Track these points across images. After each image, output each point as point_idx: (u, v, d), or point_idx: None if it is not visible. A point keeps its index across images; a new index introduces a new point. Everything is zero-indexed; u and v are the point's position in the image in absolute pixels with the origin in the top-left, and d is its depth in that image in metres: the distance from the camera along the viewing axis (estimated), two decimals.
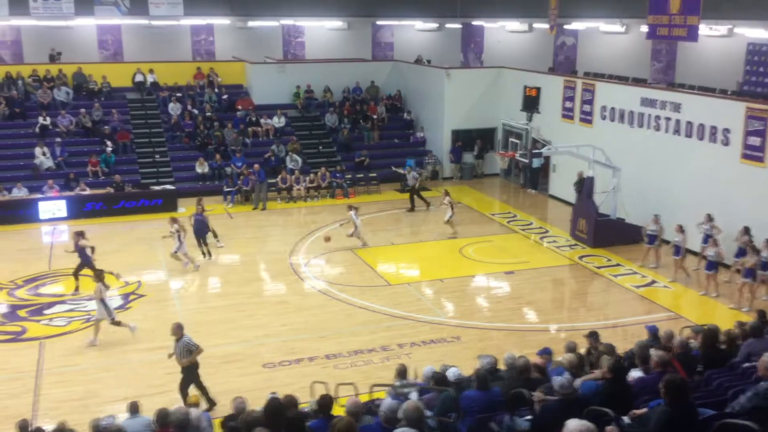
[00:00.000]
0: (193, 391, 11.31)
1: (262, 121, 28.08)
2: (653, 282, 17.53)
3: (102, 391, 12.42)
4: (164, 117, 27.90)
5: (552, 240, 20.94)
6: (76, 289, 16.66)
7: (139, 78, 29.00)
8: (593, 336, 11.25)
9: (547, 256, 19.60)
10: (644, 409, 6.72)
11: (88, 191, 23.28)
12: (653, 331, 10.77)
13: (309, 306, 16.27)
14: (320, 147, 28.23)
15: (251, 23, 31.52)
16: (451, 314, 15.87)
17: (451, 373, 8.48)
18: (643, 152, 20.62)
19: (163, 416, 8.16)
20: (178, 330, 11.49)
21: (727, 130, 18.02)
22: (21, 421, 9.20)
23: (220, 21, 31.07)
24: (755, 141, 17.23)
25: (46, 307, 16.07)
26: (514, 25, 31.30)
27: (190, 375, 11.48)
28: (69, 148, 25.45)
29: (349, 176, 26.12)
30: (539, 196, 25.99)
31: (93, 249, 17.02)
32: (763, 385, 6.73)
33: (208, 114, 27.87)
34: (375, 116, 29.52)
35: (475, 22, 33.44)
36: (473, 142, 28.18)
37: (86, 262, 16.73)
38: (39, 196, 22.60)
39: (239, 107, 28.50)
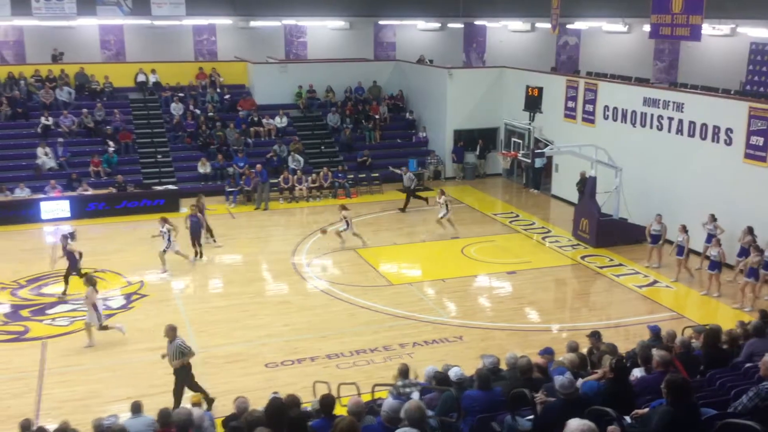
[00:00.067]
0: (188, 393, 11.28)
1: (264, 121, 28.10)
2: (655, 282, 17.52)
3: (104, 390, 12.44)
4: (166, 117, 27.93)
5: (554, 240, 20.93)
6: (64, 293, 16.51)
7: (141, 78, 29.02)
8: (595, 336, 11.25)
9: (549, 256, 19.59)
10: (646, 409, 6.71)
11: (90, 191, 23.31)
12: (655, 331, 10.76)
13: (311, 306, 16.28)
14: (322, 147, 28.23)
15: (253, 23, 31.52)
16: (453, 314, 15.87)
17: (453, 373, 8.47)
18: (646, 152, 20.60)
19: (165, 416, 8.17)
20: (170, 332, 11.45)
21: (729, 130, 17.99)
22: (23, 420, 9.22)
23: (223, 21, 31.09)
24: (758, 141, 17.20)
25: (48, 307, 16.09)
26: (516, 24, 31.28)
27: (183, 378, 11.40)
28: (71, 149, 25.47)
29: (351, 176, 26.12)
30: (541, 196, 25.97)
31: (81, 254, 16.88)
32: (765, 385, 6.72)
33: (211, 114, 27.89)
34: (377, 116, 29.52)
35: (478, 22, 33.43)
36: (475, 142, 28.16)
37: (72, 265, 16.65)
38: (41, 196, 22.63)
39: (240, 107, 28.50)
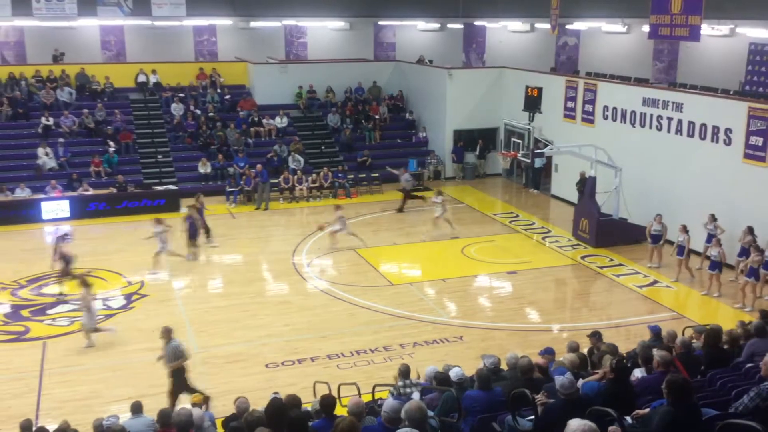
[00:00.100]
0: (185, 395, 11.27)
1: (264, 121, 28.11)
2: (655, 282, 17.53)
3: (104, 391, 12.44)
4: (167, 117, 27.94)
5: (554, 240, 20.94)
6: (61, 293, 16.50)
7: (141, 78, 29.03)
8: (596, 336, 11.26)
9: (549, 256, 19.60)
10: (647, 410, 6.72)
11: (90, 191, 23.33)
12: (656, 331, 10.77)
13: (311, 306, 16.29)
14: (322, 147, 28.24)
15: (254, 24, 31.52)
16: (453, 314, 15.88)
17: (454, 373, 8.48)
18: (645, 152, 20.61)
19: (165, 416, 8.17)
20: (166, 333, 11.44)
21: (729, 130, 18.00)
22: (24, 421, 9.24)
23: (223, 21, 31.10)
24: (757, 141, 17.21)
25: (49, 307, 16.09)
26: (516, 25, 31.27)
27: (179, 380, 11.35)
28: (72, 149, 25.48)
29: (351, 176, 26.13)
30: (541, 196, 25.99)
31: (70, 257, 16.84)
32: (766, 385, 6.72)
33: (211, 114, 27.89)
34: (377, 116, 29.53)
35: (477, 22, 33.43)
36: (475, 142, 28.18)
37: (65, 267, 16.66)
38: (42, 196, 22.64)
39: (240, 108, 28.50)
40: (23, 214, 22.13)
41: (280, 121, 28.23)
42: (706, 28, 20.11)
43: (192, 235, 19.05)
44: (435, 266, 18.93)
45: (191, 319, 15.36)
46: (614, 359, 7.92)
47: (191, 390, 11.34)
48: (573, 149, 21.09)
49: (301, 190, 25.09)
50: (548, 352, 10.23)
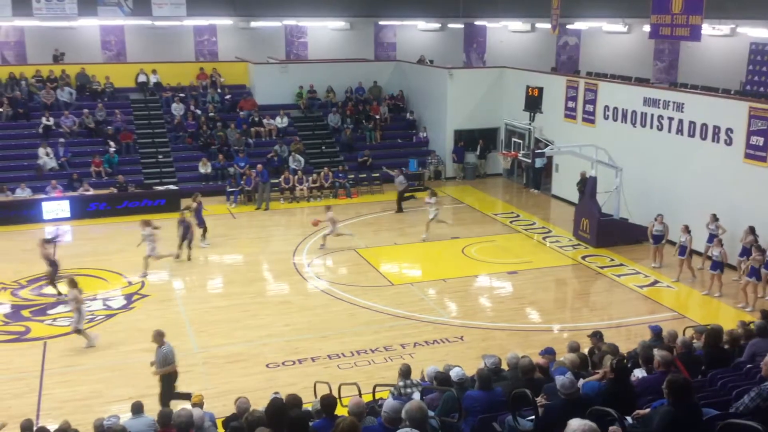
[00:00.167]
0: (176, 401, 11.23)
1: (264, 121, 28.10)
2: (656, 282, 17.52)
3: (105, 390, 12.45)
4: (167, 117, 27.94)
5: (555, 240, 20.93)
6: (59, 293, 16.45)
7: (142, 78, 29.04)
8: (596, 336, 11.26)
9: (549, 256, 19.59)
10: (647, 410, 6.71)
11: (91, 191, 23.33)
12: (656, 331, 10.76)
13: (312, 306, 16.29)
14: (323, 147, 28.24)
15: (254, 24, 31.52)
16: (454, 314, 15.87)
17: (454, 373, 8.47)
18: (646, 152, 20.60)
19: (165, 416, 8.17)
20: (158, 337, 11.38)
21: (730, 130, 17.99)
22: (25, 420, 9.24)
23: (223, 21, 31.10)
24: (758, 141, 17.20)
25: (49, 307, 16.10)
26: (516, 25, 31.27)
27: (167, 387, 11.28)
28: (72, 149, 25.49)
29: (352, 176, 26.13)
30: (542, 196, 25.98)
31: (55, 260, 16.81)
32: (766, 385, 6.72)
33: (211, 114, 27.90)
34: (378, 116, 29.53)
35: (478, 22, 33.42)
36: (476, 142, 28.17)
37: (55, 270, 16.63)
38: (42, 196, 22.65)
39: (240, 108, 28.50)
40: (24, 214, 22.14)
41: (281, 121, 28.23)
42: (706, 28, 20.10)
43: (184, 237, 18.88)
44: (435, 266, 18.93)
45: (192, 319, 15.36)
46: (614, 359, 7.92)
47: (178, 397, 11.22)
48: (574, 149, 21.09)
49: (301, 190, 25.09)
50: (549, 352, 10.23)
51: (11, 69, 28.07)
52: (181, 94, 28.46)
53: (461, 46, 36.18)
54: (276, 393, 9.25)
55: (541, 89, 21.84)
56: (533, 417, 6.82)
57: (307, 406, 8.38)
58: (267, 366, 13.27)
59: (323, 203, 24.08)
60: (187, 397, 11.01)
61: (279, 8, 30.17)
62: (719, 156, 18.33)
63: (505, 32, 32.73)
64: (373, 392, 10.60)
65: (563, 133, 23.92)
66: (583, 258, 19.31)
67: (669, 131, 19.95)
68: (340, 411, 7.37)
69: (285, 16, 30.97)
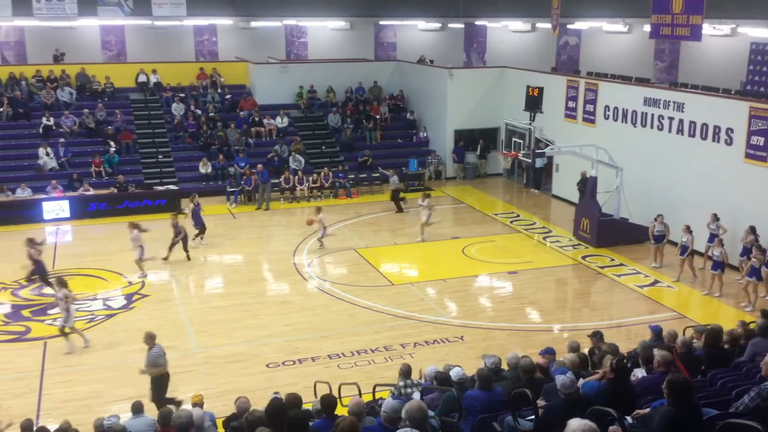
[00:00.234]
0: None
1: (265, 121, 28.10)
2: (656, 282, 17.52)
3: (105, 390, 12.45)
4: (167, 117, 27.95)
5: (555, 240, 20.93)
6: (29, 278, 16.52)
7: (142, 78, 29.04)
8: (596, 336, 11.26)
9: (550, 256, 19.58)
10: (647, 410, 6.71)
11: (91, 191, 23.34)
12: (656, 331, 10.76)
13: (312, 306, 16.29)
14: (323, 147, 28.24)
15: (254, 23, 31.52)
16: (454, 314, 15.87)
17: (454, 373, 8.47)
18: (646, 152, 20.59)
19: (165, 416, 8.17)
20: (149, 339, 11.38)
21: (730, 130, 17.99)
22: (25, 420, 9.25)
23: (223, 21, 31.09)
24: (758, 141, 17.19)
25: (49, 307, 16.07)
26: (516, 24, 31.27)
27: (158, 389, 11.24)
28: (72, 149, 25.49)
29: (352, 176, 26.13)
30: (542, 195, 25.98)
31: (38, 261, 16.76)
32: (766, 385, 6.72)
33: (211, 114, 27.90)
34: (378, 116, 29.52)
35: (478, 22, 33.42)
36: (476, 142, 28.17)
37: (38, 270, 16.61)
38: (43, 196, 22.66)
39: (241, 108, 28.50)
40: (24, 214, 22.15)
41: (281, 121, 28.23)
42: (707, 28, 20.10)
43: (175, 240, 18.72)
44: (436, 266, 18.92)
45: (192, 319, 15.36)
46: (614, 359, 7.92)
47: (167, 402, 11.14)
48: (574, 149, 21.08)
49: (301, 190, 25.09)
50: (549, 352, 10.23)
51: (11, 69, 28.08)
52: (181, 94, 28.47)
53: (461, 46, 36.18)
54: (276, 393, 9.25)
55: (541, 89, 21.84)
56: (533, 417, 6.82)
57: (307, 406, 8.38)
58: (267, 366, 13.27)
59: (323, 203, 24.11)
60: (176, 404, 10.98)
61: (279, 8, 30.17)
62: (720, 156, 18.32)
63: (506, 32, 32.73)
64: (373, 392, 10.60)
65: (563, 133, 23.91)
66: (584, 258, 19.31)
67: (669, 131, 19.95)
68: (340, 411, 7.37)
69: (285, 16, 30.97)
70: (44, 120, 25.92)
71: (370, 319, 15.43)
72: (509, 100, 27.05)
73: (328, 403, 7.05)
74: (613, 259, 19.07)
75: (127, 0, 27.56)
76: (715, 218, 17.38)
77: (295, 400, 7.55)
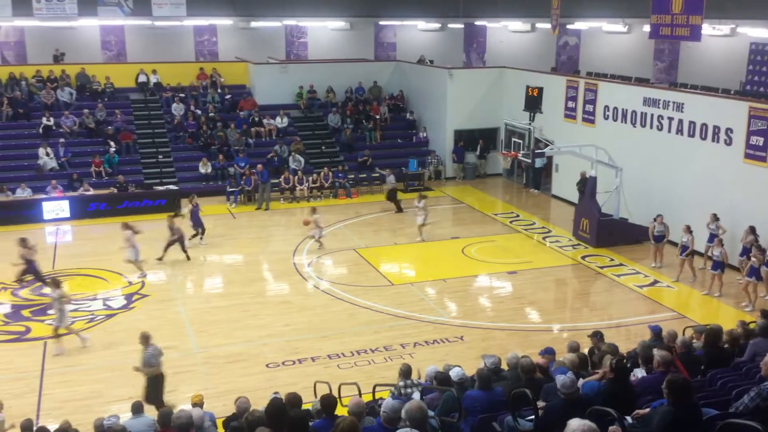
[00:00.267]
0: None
1: (264, 121, 28.11)
2: (656, 282, 17.52)
3: (105, 390, 12.46)
4: (167, 117, 27.95)
5: (555, 240, 20.93)
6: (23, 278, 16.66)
7: (142, 78, 29.04)
8: (597, 336, 11.26)
9: (549, 256, 19.59)
10: (647, 410, 6.72)
11: (91, 191, 23.34)
12: (656, 331, 10.77)
13: (312, 306, 16.29)
14: (323, 147, 28.24)
15: (254, 24, 31.53)
16: (454, 314, 15.88)
17: (454, 373, 8.48)
18: (646, 152, 20.60)
19: (165, 416, 8.17)
20: (144, 339, 11.41)
21: (729, 130, 18.00)
22: (25, 420, 9.24)
23: (223, 21, 31.10)
24: (758, 141, 17.20)
25: (49, 307, 16.03)
26: (516, 25, 31.28)
27: (153, 389, 11.24)
28: (72, 149, 25.49)
29: (352, 176, 26.13)
30: (542, 196, 25.98)
31: (30, 261, 16.76)
32: (766, 385, 6.72)
33: (211, 114, 27.90)
34: (378, 116, 29.53)
35: (478, 22, 33.42)
36: (476, 142, 28.17)
37: (31, 270, 16.64)
38: (43, 196, 22.66)
39: (240, 108, 28.50)
40: (24, 214, 22.15)
41: (281, 121, 28.24)
42: (707, 28, 20.11)
43: (171, 241, 18.70)
44: (435, 266, 18.92)
45: (192, 319, 15.37)
46: (614, 359, 7.92)
47: (160, 403, 11.08)
48: (573, 149, 21.09)
49: (301, 190, 25.09)
50: (548, 352, 10.23)
51: (11, 69, 28.08)
52: (181, 94, 28.47)
53: (461, 46, 36.19)
54: (276, 393, 9.25)
55: (541, 89, 21.85)
56: (533, 417, 6.82)
57: (307, 406, 8.38)
58: (267, 366, 13.28)
59: (323, 203, 24.14)
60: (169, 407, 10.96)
61: (279, 8, 30.18)
62: (719, 156, 18.33)
63: (505, 32, 32.74)
64: (373, 392, 10.61)
65: (563, 133, 23.92)
66: (583, 258, 19.32)
67: (669, 131, 19.95)
68: (340, 411, 7.37)
69: (285, 16, 30.98)
70: (44, 120, 25.93)
71: (370, 319, 15.44)
72: (509, 100, 27.06)
73: (328, 403, 7.06)
74: (612, 259, 19.08)
75: (127, 0, 27.58)
76: (715, 218, 17.40)
77: (295, 400, 7.56)
